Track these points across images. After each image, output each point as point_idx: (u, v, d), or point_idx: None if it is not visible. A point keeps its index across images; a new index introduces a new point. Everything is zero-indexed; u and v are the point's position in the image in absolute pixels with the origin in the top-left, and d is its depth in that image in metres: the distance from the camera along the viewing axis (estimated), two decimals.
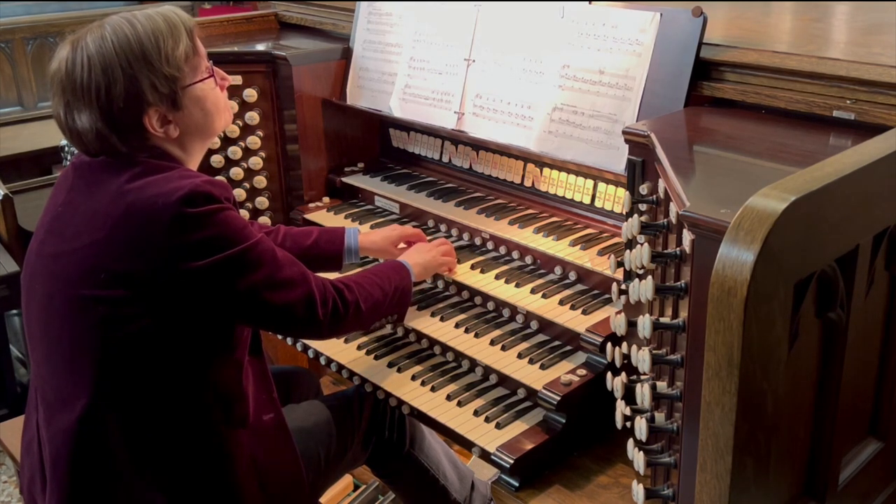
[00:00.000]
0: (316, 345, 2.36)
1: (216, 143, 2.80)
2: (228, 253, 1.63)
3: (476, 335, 2.21)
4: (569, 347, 2.12)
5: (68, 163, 1.82)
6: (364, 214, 2.78)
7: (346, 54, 2.90)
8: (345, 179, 2.90)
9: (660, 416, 1.63)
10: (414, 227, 2.65)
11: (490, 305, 2.31)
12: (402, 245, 2.40)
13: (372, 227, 2.66)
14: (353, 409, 2.15)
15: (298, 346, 2.42)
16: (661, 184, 1.65)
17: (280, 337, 2.47)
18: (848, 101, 1.81)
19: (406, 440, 2.19)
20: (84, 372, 1.66)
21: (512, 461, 1.86)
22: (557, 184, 2.51)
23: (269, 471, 1.83)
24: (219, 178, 1.89)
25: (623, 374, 1.71)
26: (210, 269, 1.62)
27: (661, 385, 1.61)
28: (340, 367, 2.27)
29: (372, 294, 1.98)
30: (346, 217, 2.77)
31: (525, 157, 2.57)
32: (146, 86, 1.66)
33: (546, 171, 2.53)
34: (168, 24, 1.71)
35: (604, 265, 2.19)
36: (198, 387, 1.70)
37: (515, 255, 2.41)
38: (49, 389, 1.73)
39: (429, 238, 2.48)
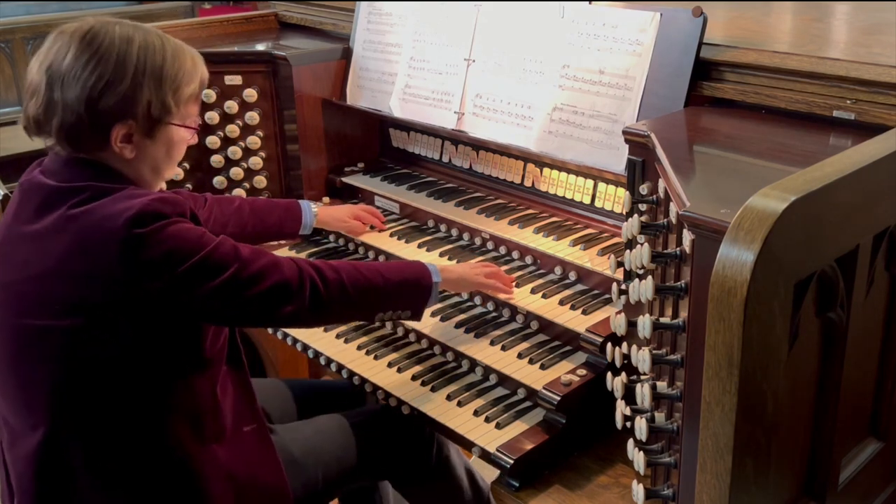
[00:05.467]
0: (315, 344, 2.35)
1: (216, 142, 2.80)
2: (187, 265, 1.59)
3: (476, 335, 2.21)
4: (569, 347, 2.12)
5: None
6: None
7: (346, 54, 2.90)
8: (345, 179, 2.90)
9: (660, 416, 1.63)
10: (414, 227, 2.66)
11: (490, 305, 2.30)
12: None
13: (372, 228, 2.67)
14: (375, 432, 2.10)
15: (298, 347, 2.41)
16: (661, 184, 1.65)
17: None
18: (848, 101, 1.81)
19: (431, 459, 2.14)
20: (39, 402, 1.62)
21: (512, 461, 1.86)
22: (557, 184, 2.51)
23: (249, 485, 1.79)
24: (181, 189, 1.84)
25: (623, 374, 1.71)
26: (173, 285, 1.58)
27: (661, 385, 1.61)
28: (340, 367, 2.27)
29: (365, 277, 1.87)
30: None
31: (525, 157, 2.57)
32: (142, 100, 1.63)
33: (546, 171, 2.53)
34: (193, 63, 1.72)
35: (604, 265, 2.19)
36: (163, 406, 1.67)
37: (515, 255, 2.41)
38: (9, 414, 1.70)
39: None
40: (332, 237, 2.75)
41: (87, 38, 1.62)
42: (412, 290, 1.99)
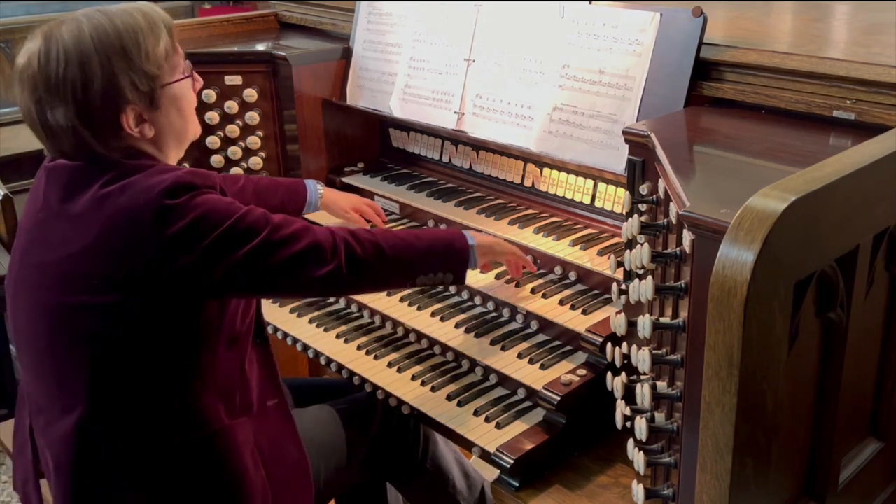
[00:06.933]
0: (315, 344, 2.35)
1: (216, 142, 2.80)
2: (218, 232, 1.59)
3: (476, 335, 2.21)
4: (569, 347, 2.12)
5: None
6: None
7: (346, 54, 2.90)
8: (345, 179, 2.90)
9: (660, 416, 1.63)
10: (414, 226, 2.66)
11: (490, 305, 2.30)
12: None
13: (372, 227, 2.67)
14: (362, 419, 2.12)
15: (298, 346, 2.41)
16: (661, 184, 1.65)
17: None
18: (848, 101, 1.81)
19: (419, 451, 2.16)
20: (77, 382, 1.63)
21: (512, 461, 1.86)
22: (557, 184, 2.51)
23: (275, 457, 1.81)
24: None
25: (623, 374, 1.71)
26: (204, 255, 1.58)
27: (661, 385, 1.61)
28: (340, 367, 2.27)
29: (402, 238, 1.87)
30: None
31: (525, 157, 2.56)
32: (125, 83, 1.60)
33: (546, 171, 2.53)
34: (147, 20, 1.66)
35: (604, 265, 2.19)
36: (197, 382, 1.68)
37: None
38: (41, 397, 1.71)
39: None
40: None
41: (42, 56, 1.60)
42: (448, 249, 1.96)
